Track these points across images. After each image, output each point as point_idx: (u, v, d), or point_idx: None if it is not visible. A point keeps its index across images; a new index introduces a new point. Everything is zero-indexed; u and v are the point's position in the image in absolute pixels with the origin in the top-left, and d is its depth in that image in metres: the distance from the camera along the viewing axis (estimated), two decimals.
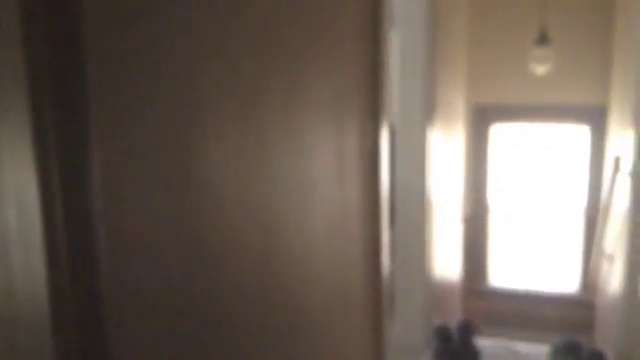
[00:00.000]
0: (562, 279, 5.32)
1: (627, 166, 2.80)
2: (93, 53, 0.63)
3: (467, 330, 2.92)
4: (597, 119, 4.91)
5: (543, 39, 4.50)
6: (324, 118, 1.50)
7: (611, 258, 3.43)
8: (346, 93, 1.69)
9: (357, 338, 1.85)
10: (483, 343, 3.00)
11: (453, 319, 4.06)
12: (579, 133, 5.11)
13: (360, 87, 1.81)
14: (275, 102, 1.20)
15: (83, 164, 0.61)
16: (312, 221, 1.43)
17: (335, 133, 1.58)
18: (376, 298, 2.02)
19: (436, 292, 3.22)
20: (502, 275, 5.49)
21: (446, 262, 3.62)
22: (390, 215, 2.71)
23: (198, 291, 0.89)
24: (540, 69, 4.85)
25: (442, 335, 2.89)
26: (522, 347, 2.97)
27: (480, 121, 5.27)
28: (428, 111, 2.85)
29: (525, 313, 5.15)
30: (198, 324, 0.89)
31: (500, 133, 5.32)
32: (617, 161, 3.03)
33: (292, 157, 1.30)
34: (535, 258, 5.45)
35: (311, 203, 1.41)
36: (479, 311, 5.21)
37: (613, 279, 3.35)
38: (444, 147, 3.34)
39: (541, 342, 4.75)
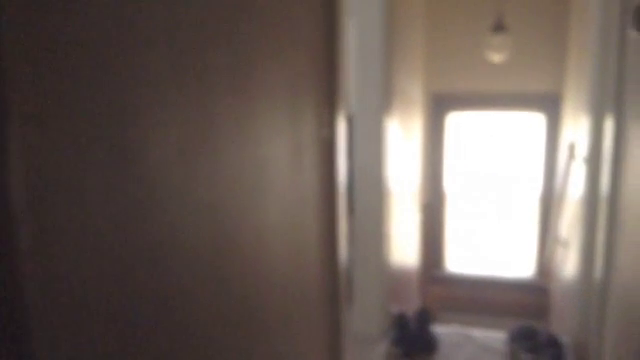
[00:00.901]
0: (518, 265, 5.41)
1: (581, 153, 2.83)
2: (11, 45, 0.57)
3: (424, 318, 2.92)
4: (552, 107, 4.98)
5: (499, 27, 4.52)
6: (278, 106, 1.44)
7: (566, 244, 3.48)
8: (302, 80, 1.64)
9: (315, 329, 1.82)
10: (440, 330, 3.01)
11: (411, 307, 4.07)
12: (535, 121, 5.18)
13: (316, 74, 1.76)
14: (223, 90, 1.14)
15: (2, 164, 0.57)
16: (266, 212, 1.38)
17: (290, 121, 1.53)
18: (334, 287, 1.98)
19: (394, 280, 3.20)
20: (459, 261, 5.55)
21: (404, 250, 3.61)
22: (349, 203, 2.67)
23: (138, 292, 0.83)
24: (496, 57, 4.88)
25: (400, 324, 2.87)
26: (478, 333, 2.98)
27: (437, 109, 5.29)
28: (386, 99, 2.81)
29: (482, 298, 5.22)
30: (138, 326, 0.83)
31: (457, 121, 5.35)
32: (572, 148, 3.05)
33: (243, 146, 1.24)
34: (491, 244, 5.53)
35: (265, 194, 1.36)
36: (437, 297, 5.25)
37: (568, 265, 3.40)
38: (401, 135, 3.31)
39: (498, 327, 4.82)
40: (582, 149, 2.78)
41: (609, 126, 1.81)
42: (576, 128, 3.22)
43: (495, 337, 2.93)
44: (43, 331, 0.63)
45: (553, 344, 2.55)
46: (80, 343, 0.71)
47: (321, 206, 1.83)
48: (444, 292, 5.30)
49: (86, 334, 0.72)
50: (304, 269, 1.70)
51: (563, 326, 3.08)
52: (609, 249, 1.81)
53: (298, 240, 1.63)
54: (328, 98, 1.86)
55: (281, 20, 1.46)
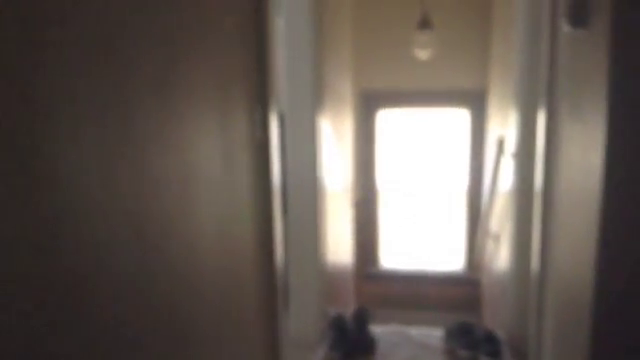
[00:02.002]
0: (449, 259, 5.50)
1: (510, 148, 2.86)
2: None
3: (362, 318, 2.87)
4: (477, 102, 5.08)
5: (425, 24, 4.54)
6: (207, 106, 1.35)
7: (496, 238, 3.54)
8: (232, 79, 1.55)
9: (251, 337, 1.74)
10: (378, 330, 2.97)
11: (348, 307, 4.03)
12: (461, 117, 5.27)
13: (247, 73, 1.68)
14: (144, 88, 1.04)
15: None
16: (196, 220, 1.28)
17: (221, 123, 1.44)
18: (271, 293, 1.91)
19: (331, 281, 3.14)
20: (393, 258, 5.58)
21: (339, 248, 3.56)
22: (282, 204, 2.58)
23: (53, 301, 0.75)
24: (423, 54, 4.92)
25: (338, 326, 2.81)
26: (416, 331, 2.97)
27: (367, 106, 5.29)
28: (317, 97, 2.75)
29: (416, 294, 5.27)
30: (50, 335, 0.74)
31: (387, 118, 5.37)
32: (501, 143, 3.09)
33: (169, 149, 1.14)
34: (424, 239, 5.59)
35: (195, 200, 1.27)
36: (372, 295, 5.25)
37: (499, 259, 3.45)
38: (333, 133, 3.26)
39: (434, 322, 4.87)
40: (511, 144, 2.81)
41: (541, 121, 1.81)
42: (504, 123, 3.27)
43: (433, 335, 2.92)
44: None
45: (490, 339, 2.56)
46: None
47: (256, 209, 1.75)
48: (379, 289, 5.31)
49: None
50: (239, 276, 1.62)
51: (497, 320, 3.12)
52: (544, 242, 1.81)
53: (232, 246, 1.55)
54: (260, 98, 1.78)
55: (208, 17, 1.36)
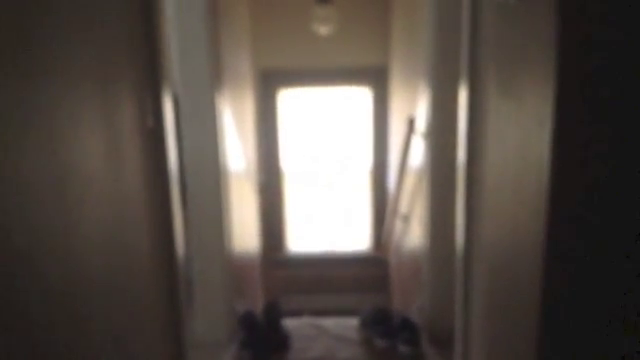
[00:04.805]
0: (356, 239, 5.44)
1: (421, 127, 2.76)
2: None
3: (273, 313, 2.68)
4: (378, 80, 5.01)
5: None
6: (86, 94, 1.08)
7: (405, 218, 3.47)
8: (116, 61, 1.28)
9: (151, 339, 1.52)
10: (291, 324, 2.80)
11: (258, 299, 3.83)
12: (362, 95, 5.18)
13: (134, 54, 1.42)
14: (3, 72, 0.79)
15: None
16: (75, 221, 1.03)
17: (104, 112, 1.18)
18: (171, 290, 1.70)
19: (238, 273, 2.93)
20: (300, 242, 5.45)
21: (246, 237, 3.34)
22: (182, 194, 2.33)
23: None
24: (322, 30, 4.76)
25: (247, 323, 2.61)
26: (330, 323, 2.83)
27: (267, 86, 5.08)
28: (215, 78, 2.49)
29: (324, 276, 5.16)
30: None
31: (288, 98, 5.19)
32: (411, 122, 2.99)
33: (39, 147, 0.89)
34: (330, 221, 5.49)
35: (72, 200, 1.02)
36: (281, 281, 5.09)
37: (409, 239, 3.39)
38: (235, 115, 3.02)
39: (343, 302, 4.81)
40: (422, 123, 2.71)
41: (463, 96, 1.69)
42: (412, 101, 3.17)
43: (348, 325, 2.80)
44: None
45: (406, 326, 2.47)
46: None
47: (151, 202, 1.51)
48: (288, 275, 5.16)
49: None
50: (134, 276, 1.39)
51: (411, 303, 3.05)
52: (469, 222, 1.71)
53: (123, 248, 1.31)
54: (150, 82, 1.53)
55: None
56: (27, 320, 0.86)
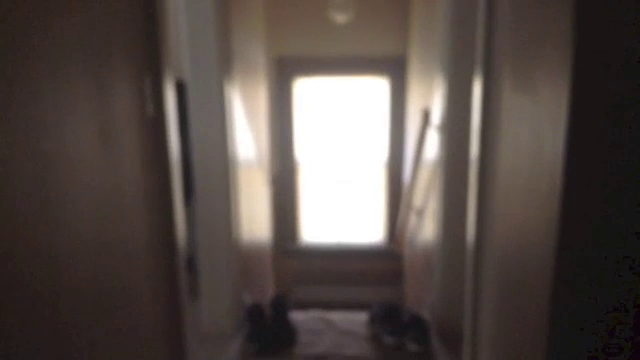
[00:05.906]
0: (370, 232, 5.37)
1: (436, 120, 2.69)
2: None
3: (281, 306, 2.64)
4: (397, 70, 4.91)
5: None
6: (75, 78, 1.03)
7: (420, 212, 3.40)
8: (113, 43, 1.23)
9: (151, 332, 1.49)
10: (299, 317, 2.76)
11: (267, 290, 3.80)
12: (380, 85, 5.09)
13: (133, 35, 1.36)
14: None
15: None
16: (63, 217, 0.99)
17: (96, 99, 1.12)
18: (172, 281, 1.66)
19: (247, 265, 2.89)
20: (314, 232, 5.40)
21: (256, 228, 3.30)
22: (187, 183, 2.29)
23: None
24: (341, 17, 4.68)
25: (255, 316, 2.57)
26: (339, 317, 2.79)
27: (283, 74, 5.00)
28: (225, 65, 2.44)
29: (337, 268, 5.12)
30: None
31: (304, 87, 5.11)
32: (426, 115, 2.91)
33: (17, 136, 0.85)
34: (345, 212, 5.43)
35: (63, 187, 0.98)
36: (292, 271, 5.06)
37: (422, 233, 3.32)
38: (246, 103, 2.97)
39: (355, 294, 4.76)
40: (437, 116, 2.64)
41: (477, 90, 1.62)
42: (429, 93, 3.09)
43: (356, 320, 2.75)
44: None
45: (416, 323, 2.41)
46: None
47: (150, 194, 1.47)
48: (300, 265, 5.12)
49: None
50: (133, 271, 1.36)
51: (422, 300, 2.99)
52: (480, 217, 1.65)
53: (121, 239, 1.27)
54: (151, 65, 1.47)
55: None
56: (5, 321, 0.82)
